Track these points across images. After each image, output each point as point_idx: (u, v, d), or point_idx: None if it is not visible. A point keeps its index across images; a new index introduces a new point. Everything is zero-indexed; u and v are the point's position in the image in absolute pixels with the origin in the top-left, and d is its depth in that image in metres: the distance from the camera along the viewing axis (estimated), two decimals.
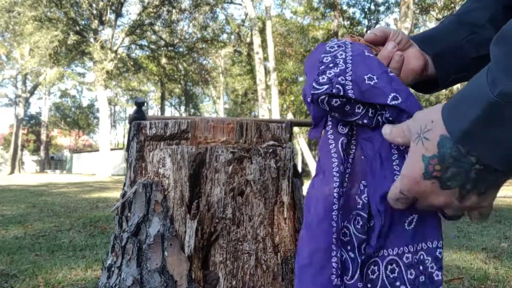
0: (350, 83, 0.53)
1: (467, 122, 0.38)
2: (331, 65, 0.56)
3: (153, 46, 22.69)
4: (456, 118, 0.39)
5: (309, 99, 0.55)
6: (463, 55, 0.62)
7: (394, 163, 0.53)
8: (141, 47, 23.16)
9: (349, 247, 0.52)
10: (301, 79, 22.94)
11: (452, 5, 16.95)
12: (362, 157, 0.56)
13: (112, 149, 25.73)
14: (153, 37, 22.40)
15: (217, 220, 0.97)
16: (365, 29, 21.16)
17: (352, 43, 0.62)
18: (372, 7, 21.61)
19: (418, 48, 0.64)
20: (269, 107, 16.73)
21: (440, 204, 0.45)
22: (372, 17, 21.58)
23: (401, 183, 0.46)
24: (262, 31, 18.32)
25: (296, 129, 17.33)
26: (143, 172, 1.05)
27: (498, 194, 0.47)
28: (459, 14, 0.66)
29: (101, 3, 18.56)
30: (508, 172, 0.40)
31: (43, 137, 39.34)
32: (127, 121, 1.77)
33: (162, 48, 22.73)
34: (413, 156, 0.45)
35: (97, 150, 25.62)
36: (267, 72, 17.79)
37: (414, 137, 0.45)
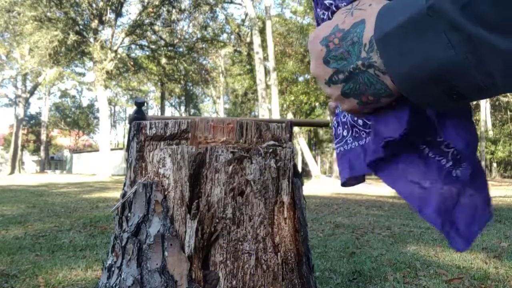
0: None
1: (391, 26, 0.36)
2: None
3: (153, 46, 22.69)
4: (385, 19, 0.37)
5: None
6: None
7: None
8: (141, 47, 23.17)
9: None
10: (301, 79, 22.96)
11: None
12: None
13: (112, 149, 25.74)
14: (153, 37, 22.40)
15: (217, 220, 0.97)
16: None
17: None
18: None
19: None
20: (269, 107, 16.73)
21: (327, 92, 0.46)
22: None
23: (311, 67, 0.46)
24: (262, 31, 18.33)
25: (296, 129, 17.32)
26: (143, 172, 1.05)
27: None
28: None
29: (101, 3, 18.56)
30: (396, 91, 0.40)
31: (43, 137, 39.33)
32: (127, 121, 1.77)
33: (162, 48, 22.73)
34: (328, 22, 0.45)
35: (97, 150, 25.62)
36: (267, 72, 17.80)
37: (343, 4, 0.44)
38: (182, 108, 38.79)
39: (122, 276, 0.98)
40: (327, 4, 0.51)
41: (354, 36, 0.41)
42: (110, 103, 35.50)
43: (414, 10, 0.33)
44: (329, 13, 0.51)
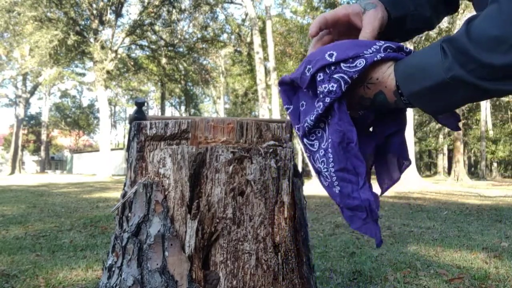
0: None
1: (419, 87, 0.54)
2: None
3: (153, 46, 22.69)
4: (410, 82, 0.56)
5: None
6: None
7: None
8: (141, 47, 23.17)
9: None
10: None
11: None
12: None
13: (112, 149, 25.74)
14: (153, 37, 22.40)
15: (217, 220, 0.97)
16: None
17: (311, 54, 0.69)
18: None
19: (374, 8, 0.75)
20: (269, 107, 16.73)
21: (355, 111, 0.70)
22: None
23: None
24: (262, 31, 18.32)
25: None
26: (144, 172, 1.05)
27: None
28: None
29: (101, 3, 18.56)
30: (431, 114, 0.61)
31: (44, 137, 39.35)
32: (127, 121, 1.77)
33: (162, 48, 22.73)
34: (356, 92, 0.63)
35: (98, 150, 25.62)
36: (267, 71, 17.80)
37: (360, 81, 0.61)
38: (182, 108, 38.80)
39: (123, 276, 0.98)
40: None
41: (380, 100, 0.62)
42: (110, 103, 35.49)
43: (438, 79, 0.52)
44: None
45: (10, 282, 2.23)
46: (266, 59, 18.46)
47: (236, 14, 67.94)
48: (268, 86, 17.09)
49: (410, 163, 0.74)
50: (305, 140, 0.68)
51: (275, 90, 16.20)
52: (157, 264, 0.95)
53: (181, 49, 23.53)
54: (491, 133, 28.88)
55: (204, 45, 24.05)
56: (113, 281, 1.01)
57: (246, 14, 22.24)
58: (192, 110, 36.08)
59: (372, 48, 0.61)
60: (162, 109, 32.00)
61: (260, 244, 0.99)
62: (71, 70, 28.63)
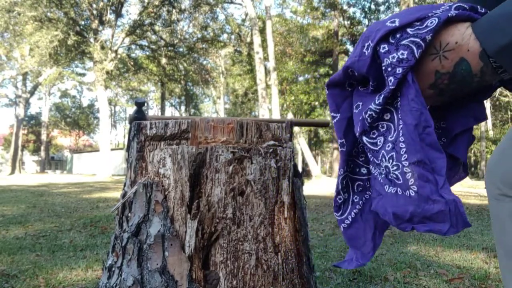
0: None
1: (509, 38, 0.43)
2: None
3: (153, 46, 22.67)
4: (496, 34, 0.44)
5: None
6: None
7: None
8: (141, 47, 23.15)
9: None
10: (301, 78, 22.95)
11: None
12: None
13: (112, 149, 25.73)
14: (153, 37, 22.39)
15: (217, 220, 0.97)
16: (365, 29, 21.15)
17: None
18: (373, 6, 21.60)
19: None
20: (269, 107, 16.73)
21: (426, 101, 0.54)
22: (372, 17, 21.56)
23: None
24: (262, 31, 18.32)
25: (296, 129, 17.31)
26: (144, 172, 1.05)
27: None
28: None
29: (101, 3, 18.55)
30: None
31: (44, 137, 39.32)
32: (127, 121, 1.77)
33: (162, 48, 22.72)
34: (426, 69, 0.50)
35: (98, 150, 25.62)
36: (267, 72, 17.80)
37: (431, 52, 0.50)
38: (182, 108, 38.77)
39: (123, 276, 0.98)
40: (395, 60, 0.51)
41: (462, 73, 0.49)
42: (110, 103, 35.50)
43: None
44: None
45: (10, 282, 2.22)
46: (266, 59, 18.46)
47: (236, 14, 67.97)
48: (268, 86, 17.08)
49: (466, 175, 0.63)
50: (364, 138, 0.55)
51: (275, 90, 16.20)
52: (157, 264, 0.95)
53: (181, 49, 23.52)
54: (491, 133, 28.87)
55: (204, 45, 24.03)
56: (113, 281, 1.01)
57: (246, 14, 22.25)
58: (192, 110, 36.06)
59: (441, 8, 0.50)
60: (162, 109, 31.99)
61: (260, 244, 0.99)
62: (71, 70, 28.64)
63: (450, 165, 0.61)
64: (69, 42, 17.33)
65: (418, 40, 0.48)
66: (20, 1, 15.79)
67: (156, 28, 21.43)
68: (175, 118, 1.16)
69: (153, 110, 42.77)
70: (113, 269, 1.03)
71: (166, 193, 0.99)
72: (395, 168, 0.51)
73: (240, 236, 0.98)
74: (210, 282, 0.96)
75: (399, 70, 0.49)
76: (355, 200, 0.60)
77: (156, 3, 19.23)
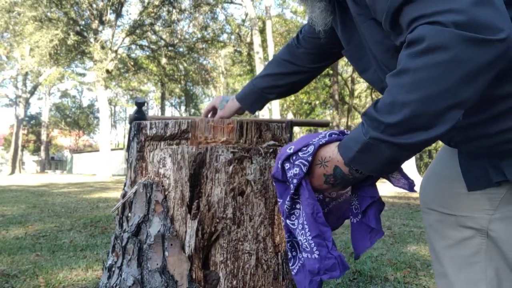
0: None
1: (353, 152, 0.67)
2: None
3: (153, 46, 22.68)
4: (347, 150, 0.69)
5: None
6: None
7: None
8: (141, 47, 23.15)
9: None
10: None
11: None
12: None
13: (112, 149, 25.72)
14: (153, 37, 22.39)
15: (217, 220, 0.97)
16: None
17: None
18: None
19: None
20: (269, 107, 16.74)
21: (328, 192, 0.89)
22: None
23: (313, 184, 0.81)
24: (262, 31, 18.33)
25: (296, 129, 17.31)
26: (144, 172, 1.05)
27: None
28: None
29: (101, 3, 18.55)
30: (374, 175, 0.75)
31: (44, 137, 39.32)
32: (127, 121, 1.77)
33: (162, 48, 22.72)
34: (318, 173, 0.76)
35: (98, 150, 25.61)
36: None
37: (317, 163, 0.76)
38: (182, 108, 38.79)
39: (123, 276, 0.98)
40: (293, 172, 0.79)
41: (339, 174, 0.73)
42: (110, 103, 35.50)
43: (363, 141, 0.65)
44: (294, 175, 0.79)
45: (10, 282, 2.23)
46: (266, 59, 18.46)
47: (236, 14, 67.92)
48: None
49: (382, 235, 0.85)
50: (287, 221, 0.81)
51: None
52: (157, 264, 0.95)
53: (181, 49, 23.52)
54: None
55: (204, 45, 24.04)
56: (113, 281, 1.01)
57: (246, 14, 22.25)
58: (192, 110, 36.07)
59: (319, 136, 0.77)
60: (162, 109, 32.00)
61: (260, 244, 0.99)
62: (71, 70, 28.64)
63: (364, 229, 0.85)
64: (69, 42, 17.33)
65: (304, 161, 0.75)
66: (20, 1, 15.79)
67: (156, 28, 21.43)
68: (175, 118, 1.17)
69: (153, 110, 42.81)
70: (113, 269, 1.03)
71: (166, 193, 0.99)
72: (304, 240, 0.77)
73: (240, 236, 0.98)
74: (210, 282, 0.96)
75: (295, 181, 0.76)
76: (300, 257, 0.83)
77: (156, 3, 19.23)
